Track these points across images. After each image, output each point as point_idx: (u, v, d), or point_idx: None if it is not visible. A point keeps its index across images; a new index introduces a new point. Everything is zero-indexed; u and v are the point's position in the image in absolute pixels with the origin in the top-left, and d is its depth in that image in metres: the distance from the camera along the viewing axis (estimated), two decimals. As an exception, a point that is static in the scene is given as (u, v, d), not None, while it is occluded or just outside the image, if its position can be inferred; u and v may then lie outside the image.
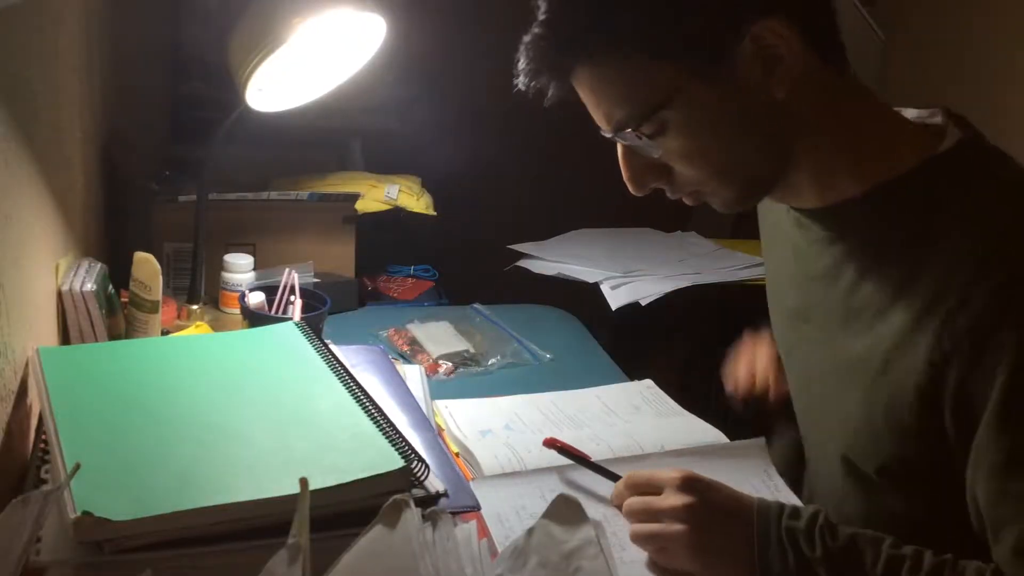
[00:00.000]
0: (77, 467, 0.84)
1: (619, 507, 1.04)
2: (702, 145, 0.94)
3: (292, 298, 1.43)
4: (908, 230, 0.94)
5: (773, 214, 1.15)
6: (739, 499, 0.97)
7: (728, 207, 1.00)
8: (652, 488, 1.01)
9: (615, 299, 1.89)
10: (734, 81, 0.91)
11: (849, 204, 0.97)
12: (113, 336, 1.28)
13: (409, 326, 1.59)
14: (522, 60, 0.95)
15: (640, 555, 0.99)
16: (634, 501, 1.01)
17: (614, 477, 1.07)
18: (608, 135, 0.97)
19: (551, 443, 1.13)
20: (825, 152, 0.96)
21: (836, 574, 0.90)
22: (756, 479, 1.13)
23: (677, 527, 0.95)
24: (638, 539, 0.99)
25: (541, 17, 0.93)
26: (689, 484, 0.98)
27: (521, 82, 0.96)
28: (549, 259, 2.06)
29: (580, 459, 1.12)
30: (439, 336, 1.55)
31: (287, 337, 1.20)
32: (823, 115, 0.95)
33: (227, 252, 1.60)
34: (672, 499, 0.97)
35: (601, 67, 0.93)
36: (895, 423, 0.94)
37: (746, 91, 0.91)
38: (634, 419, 1.29)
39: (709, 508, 0.96)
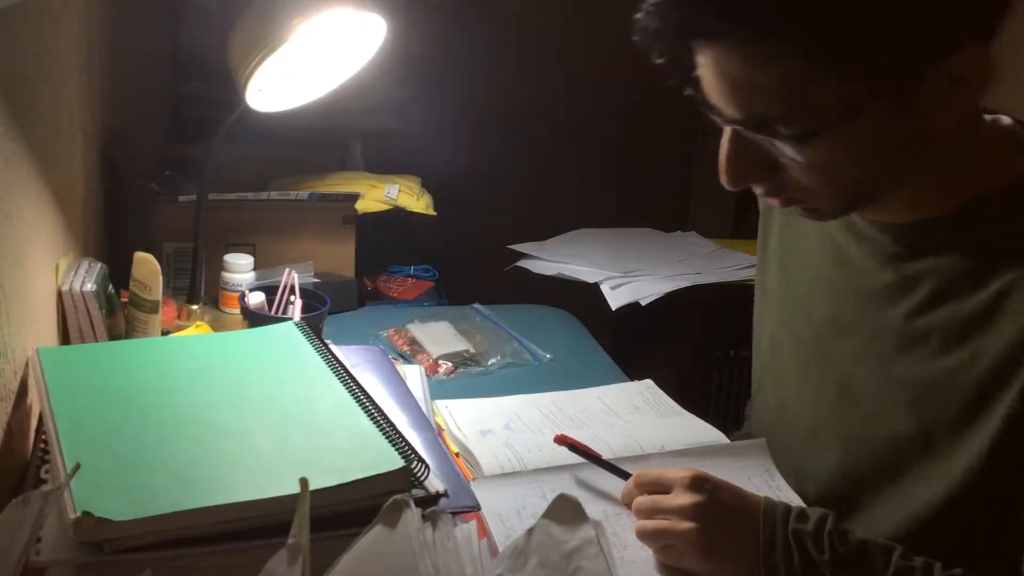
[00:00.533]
0: (77, 467, 0.84)
1: (629, 505, 1.04)
2: (849, 162, 0.87)
3: (292, 298, 1.43)
4: (997, 252, 0.90)
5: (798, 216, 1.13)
6: (747, 499, 0.97)
7: (820, 217, 0.96)
8: (661, 487, 1.00)
9: (615, 299, 1.89)
10: (910, 106, 0.84)
11: (934, 223, 0.93)
12: (113, 336, 1.28)
13: (409, 326, 1.59)
14: (653, 16, 0.85)
15: (640, 555, 0.99)
16: (643, 499, 1.01)
17: (624, 475, 1.07)
18: (728, 121, 0.88)
19: (562, 440, 1.13)
20: (935, 171, 0.92)
21: None
22: (758, 479, 1.13)
23: (685, 525, 0.95)
24: (645, 536, 0.98)
25: None
26: (698, 483, 0.97)
27: (641, 39, 0.87)
28: (549, 259, 2.06)
29: (591, 457, 1.11)
30: (439, 336, 1.55)
31: (287, 337, 1.20)
32: (951, 137, 0.89)
33: (227, 252, 1.60)
34: (681, 498, 0.97)
35: (763, 55, 0.82)
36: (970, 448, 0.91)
37: (917, 117, 0.85)
38: (634, 419, 1.29)
39: (717, 507, 0.96)
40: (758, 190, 0.94)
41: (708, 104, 0.89)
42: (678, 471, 1.00)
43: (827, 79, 0.82)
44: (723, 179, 0.92)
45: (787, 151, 0.86)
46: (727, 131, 0.90)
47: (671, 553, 0.97)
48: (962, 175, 0.92)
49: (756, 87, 0.84)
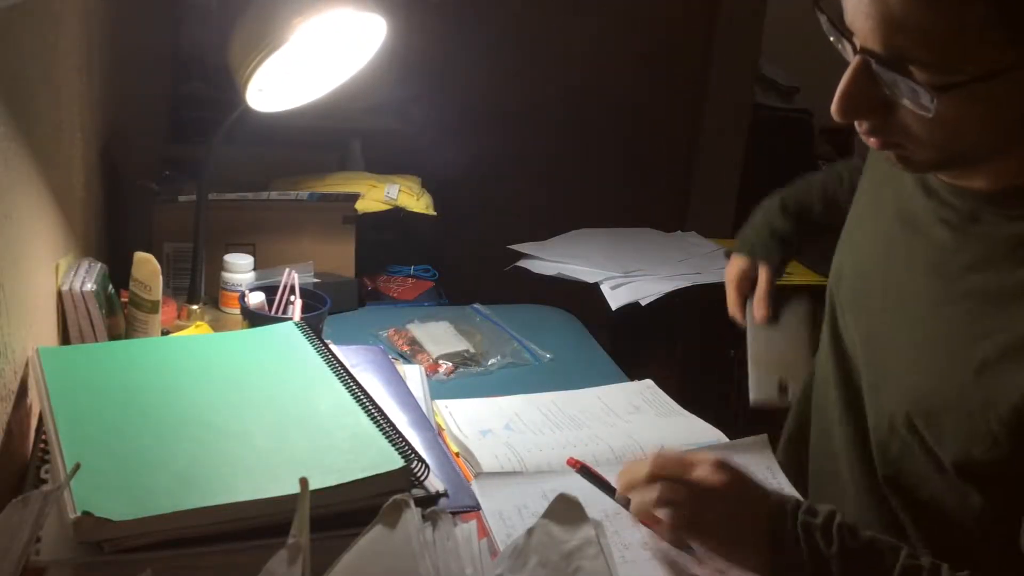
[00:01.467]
0: (77, 467, 0.84)
1: (627, 484, 1.02)
2: (970, 122, 0.86)
3: (292, 298, 1.43)
4: None
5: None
6: (764, 489, 0.97)
7: (910, 168, 0.96)
8: (683, 465, 0.99)
9: (615, 299, 1.89)
10: None
11: (1011, 191, 0.93)
12: (113, 336, 1.28)
13: (409, 326, 1.59)
14: None
15: (640, 555, 0.99)
16: (668, 467, 0.98)
17: (630, 504, 1.06)
18: (862, 51, 0.86)
19: (574, 464, 1.12)
20: None
21: (851, 573, 0.90)
22: (759, 476, 1.13)
23: (710, 499, 0.94)
24: (665, 502, 0.97)
25: None
26: (723, 464, 0.97)
27: None
28: (549, 259, 2.06)
29: (602, 484, 1.10)
30: (439, 336, 1.55)
31: (287, 337, 1.20)
32: None
33: (227, 252, 1.60)
34: (708, 475, 0.96)
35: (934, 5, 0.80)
36: None
37: None
38: (634, 419, 1.29)
39: (741, 489, 0.96)
40: (861, 127, 0.93)
41: (842, 30, 0.87)
42: (702, 454, 1.00)
43: (992, 38, 0.80)
44: (835, 109, 0.90)
45: (916, 97, 0.84)
46: (854, 62, 0.87)
47: (686, 526, 0.96)
48: None
49: (915, 26, 0.81)
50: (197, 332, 1.41)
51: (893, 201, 1.08)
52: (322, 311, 1.42)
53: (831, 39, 0.91)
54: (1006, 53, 0.80)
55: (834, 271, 1.19)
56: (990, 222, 0.96)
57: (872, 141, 0.93)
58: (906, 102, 0.86)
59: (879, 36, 0.83)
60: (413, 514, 0.87)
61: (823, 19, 0.91)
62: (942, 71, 0.82)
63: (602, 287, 1.93)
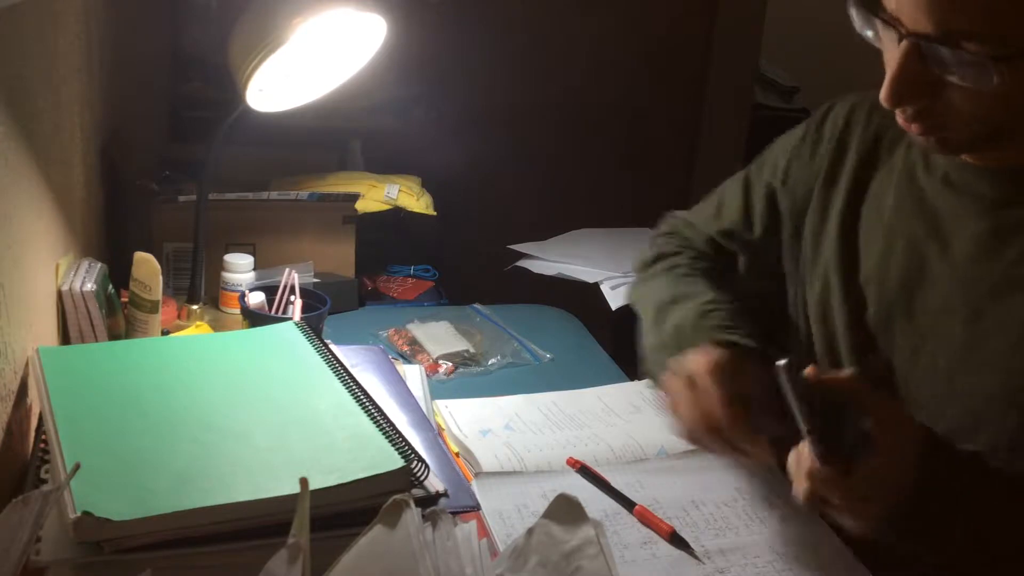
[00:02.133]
0: (77, 467, 0.84)
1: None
2: (1011, 95, 0.87)
3: (292, 298, 1.43)
4: None
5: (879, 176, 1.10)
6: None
7: (952, 151, 0.98)
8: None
9: (615, 299, 1.89)
10: None
11: None
12: (113, 336, 1.28)
13: (409, 326, 1.59)
14: None
15: (640, 555, 0.99)
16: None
17: (630, 505, 1.06)
18: (911, 34, 0.88)
19: (574, 464, 1.13)
20: None
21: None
22: (759, 475, 1.13)
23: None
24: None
25: None
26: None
27: None
28: (549, 259, 2.06)
29: (600, 483, 1.10)
30: (439, 336, 1.55)
31: (287, 337, 1.20)
32: None
33: (227, 252, 1.60)
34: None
35: None
36: None
37: None
38: (634, 419, 1.29)
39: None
40: (906, 113, 0.94)
41: (888, 19, 0.89)
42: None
43: None
44: (885, 96, 0.91)
45: (971, 72, 0.86)
46: (902, 47, 0.89)
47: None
48: None
49: (977, 2, 0.84)
50: (197, 332, 1.41)
51: (911, 209, 1.06)
52: (322, 311, 1.42)
53: (865, 32, 0.93)
54: None
55: (844, 307, 1.11)
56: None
57: (915, 127, 0.94)
58: (955, 79, 0.87)
59: (934, 16, 0.85)
60: (413, 514, 0.87)
61: (857, 13, 0.92)
62: (996, 44, 0.83)
63: (602, 287, 1.93)
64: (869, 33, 0.94)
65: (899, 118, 0.96)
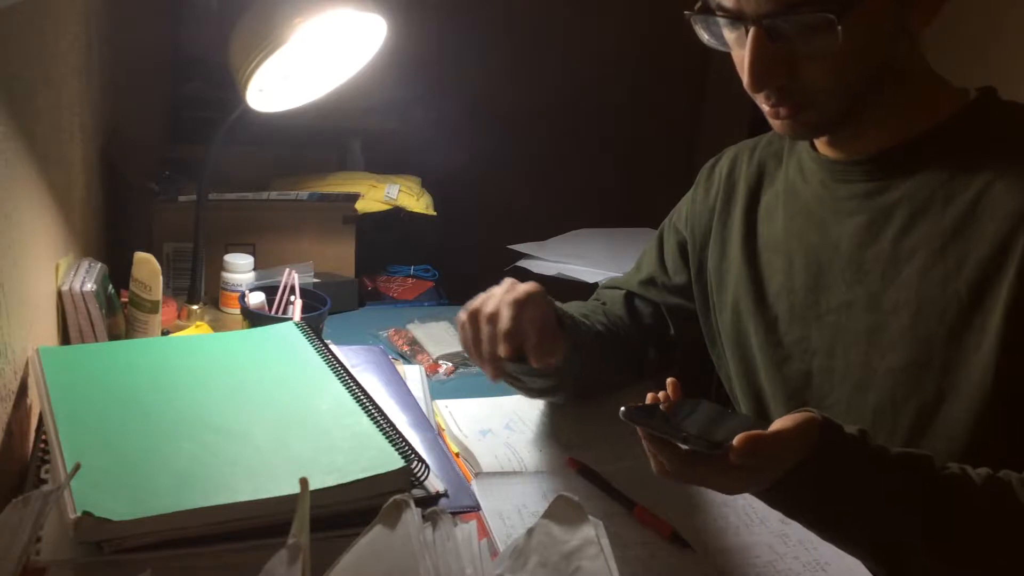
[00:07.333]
0: (77, 467, 0.84)
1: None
2: (852, 52, 0.95)
3: (292, 298, 1.43)
4: (962, 170, 1.00)
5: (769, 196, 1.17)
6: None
7: (818, 127, 1.05)
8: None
9: (615, 299, 1.89)
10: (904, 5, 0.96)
11: (898, 151, 1.03)
12: (113, 336, 1.28)
13: (409, 326, 1.59)
14: None
15: (640, 554, 0.99)
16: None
17: (630, 505, 1.06)
18: (756, 17, 0.95)
19: (573, 463, 1.13)
20: (894, 98, 1.02)
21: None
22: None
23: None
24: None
25: None
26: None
27: None
28: (549, 259, 2.06)
29: (601, 482, 1.10)
30: (439, 336, 1.55)
31: (287, 337, 1.20)
32: (906, 62, 1.01)
33: (227, 252, 1.60)
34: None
35: None
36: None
37: (900, 14, 0.96)
38: (634, 419, 1.29)
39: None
40: (770, 101, 1.01)
41: (731, 10, 0.97)
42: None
43: None
44: (747, 82, 0.99)
45: (803, 42, 0.95)
46: (752, 34, 0.96)
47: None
48: (913, 109, 1.03)
49: None
50: (197, 332, 1.41)
51: (802, 222, 1.12)
52: (322, 311, 1.42)
53: (712, 43, 1.02)
54: None
55: (760, 327, 1.16)
56: (899, 187, 1.03)
57: (781, 111, 1.01)
58: (806, 50, 0.95)
59: None
60: (413, 514, 0.87)
61: (700, 24, 1.02)
62: (824, 10, 0.91)
63: (602, 287, 1.93)
64: (714, 41, 1.02)
65: (765, 108, 1.03)
